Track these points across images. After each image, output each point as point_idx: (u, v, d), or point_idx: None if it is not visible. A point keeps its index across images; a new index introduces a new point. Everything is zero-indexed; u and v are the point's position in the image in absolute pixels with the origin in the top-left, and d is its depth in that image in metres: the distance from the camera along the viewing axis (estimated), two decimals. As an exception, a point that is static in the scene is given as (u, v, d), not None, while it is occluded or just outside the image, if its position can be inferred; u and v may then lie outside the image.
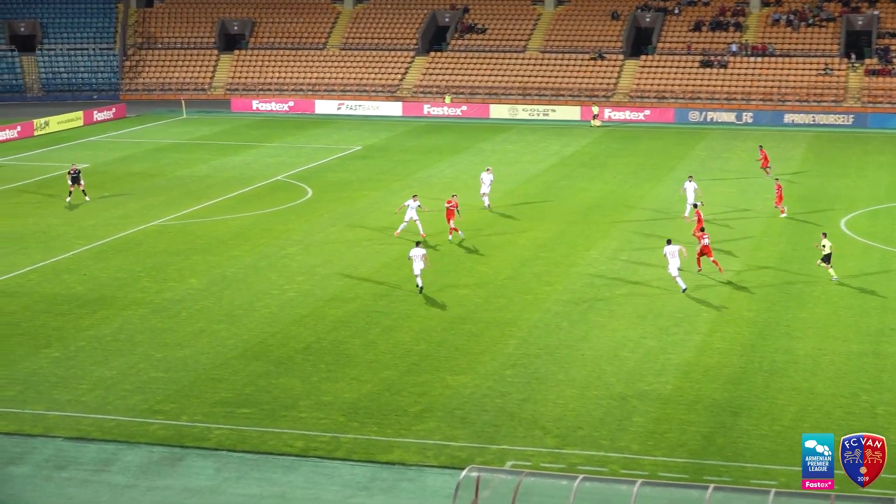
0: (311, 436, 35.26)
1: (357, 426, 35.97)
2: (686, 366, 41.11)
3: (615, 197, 69.84)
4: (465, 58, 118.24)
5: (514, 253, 56.58)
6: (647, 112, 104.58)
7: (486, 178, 66.79)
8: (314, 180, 74.37)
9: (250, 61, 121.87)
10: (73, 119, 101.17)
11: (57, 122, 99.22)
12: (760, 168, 75.81)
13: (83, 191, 68.88)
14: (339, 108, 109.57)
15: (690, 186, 63.88)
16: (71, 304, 48.37)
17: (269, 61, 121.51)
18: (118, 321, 46.11)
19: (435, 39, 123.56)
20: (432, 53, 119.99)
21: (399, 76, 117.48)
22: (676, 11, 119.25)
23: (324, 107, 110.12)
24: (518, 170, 78.65)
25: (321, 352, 42.65)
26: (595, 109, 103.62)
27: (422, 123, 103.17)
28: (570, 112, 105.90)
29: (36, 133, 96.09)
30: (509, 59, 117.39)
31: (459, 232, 58.98)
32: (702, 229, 54.45)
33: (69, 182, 67.99)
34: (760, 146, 78.63)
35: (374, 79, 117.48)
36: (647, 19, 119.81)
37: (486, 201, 66.31)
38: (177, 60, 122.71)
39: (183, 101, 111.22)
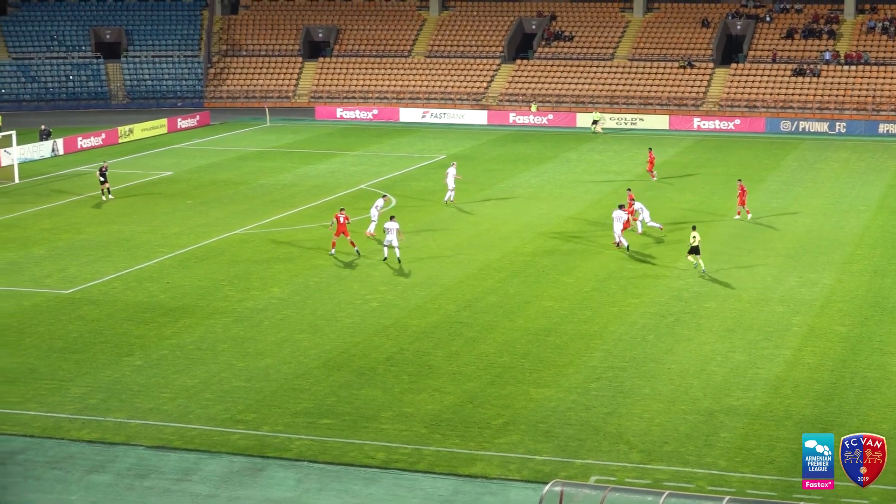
0: (392, 447, 35.35)
1: (439, 438, 36.00)
2: (775, 381, 40.73)
3: (704, 207, 69.39)
4: (552, 66, 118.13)
5: (600, 264, 56.40)
6: (737, 121, 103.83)
7: (451, 172, 70.47)
8: (398, 189, 74.60)
9: (335, 69, 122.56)
10: (157, 126, 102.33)
11: (141, 130, 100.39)
12: (646, 171, 78.26)
13: (108, 188, 71.41)
14: (423, 117, 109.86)
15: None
16: (154, 312, 48.88)
17: (353, 69, 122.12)
18: (200, 330, 46.52)
19: (521, 47, 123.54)
20: (518, 61, 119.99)
21: (485, 84, 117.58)
22: (768, 19, 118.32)
23: (408, 115, 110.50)
24: (604, 179, 78.36)
25: (403, 363, 42.75)
26: (596, 115, 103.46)
27: (507, 132, 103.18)
28: (659, 121, 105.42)
29: (120, 140, 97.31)
30: (596, 67, 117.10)
31: (355, 247, 57.99)
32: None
33: (100, 180, 70.98)
34: (650, 148, 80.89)
35: (459, 87, 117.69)
36: (738, 27, 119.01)
37: (451, 196, 70.15)
38: (261, 68, 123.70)
39: (267, 109, 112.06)
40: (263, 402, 38.83)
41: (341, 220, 57.31)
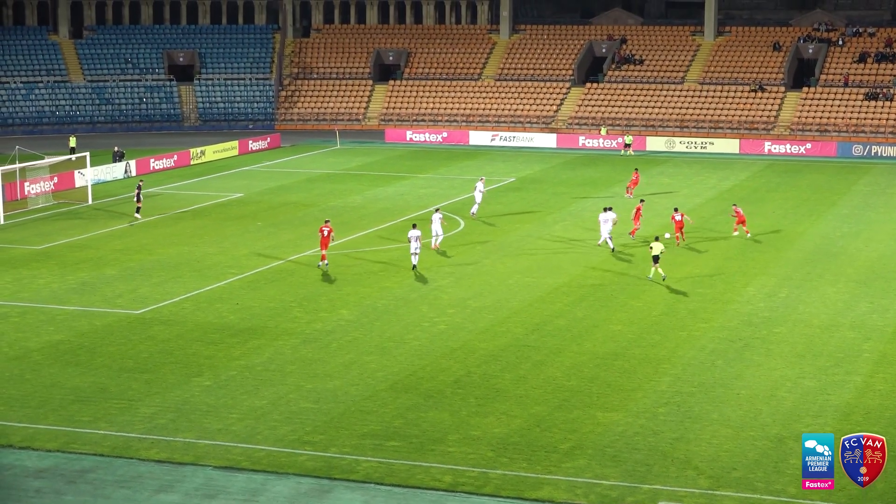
0: (459, 470, 35.29)
1: (506, 462, 35.91)
2: (846, 407, 40.29)
3: (774, 232, 68.88)
4: (622, 89, 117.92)
5: (669, 288, 56.08)
6: (809, 146, 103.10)
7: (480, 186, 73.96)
8: (467, 212, 74.65)
9: (405, 92, 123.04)
10: (228, 148, 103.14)
11: (213, 152, 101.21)
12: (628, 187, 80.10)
13: (138, 207, 73.49)
14: (492, 140, 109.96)
15: None
16: (223, 333, 49.17)
17: (423, 92, 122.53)
18: (269, 351, 46.73)
19: (591, 70, 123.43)
20: (588, 84, 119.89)
21: (554, 107, 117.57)
22: (840, 43, 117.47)
23: (478, 138, 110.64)
24: (674, 203, 77.99)
25: (471, 385, 42.70)
26: (629, 139, 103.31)
27: (577, 155, 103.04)
28: (729, 145, 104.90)
29: (192, 162, 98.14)
30: (667, 90, 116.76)
31: (324, 261, 59.78)
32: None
33: (138, 198, 73.37)
34: (636, 168, 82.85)
35: (529, 110, 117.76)
36: (810, 50, 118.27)
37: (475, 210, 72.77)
38: (332, 90, 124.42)
39: (337, 132, 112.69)
40: (331, 424, 38.91)
41: (325, 232, 59.41)
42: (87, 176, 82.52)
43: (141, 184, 75.80)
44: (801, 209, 76.10)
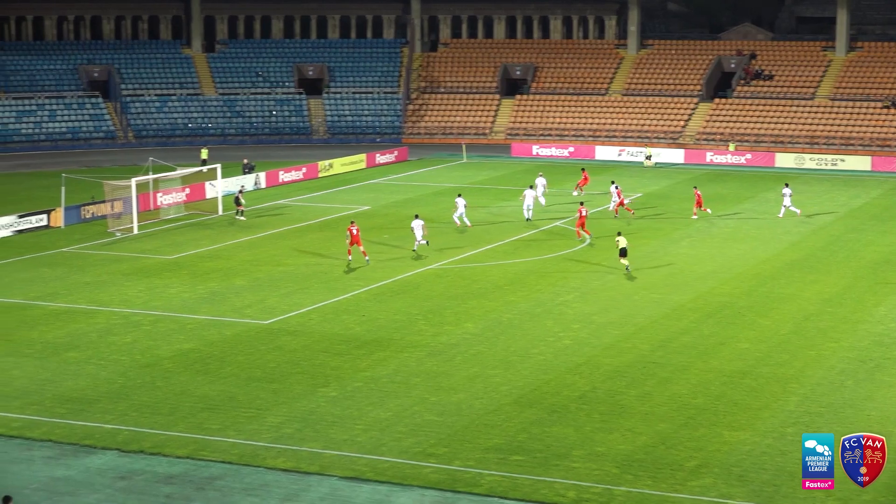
0: (583, 486, 35.14)
1: (630, 479, 35.68)
2: (980, 431, 39.41)
3: (907, 251, 67.71)
4: (751, 105, 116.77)
5: (798, 307, 55.37)
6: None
7: (540, 182, 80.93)
8: (592, 227, 74.34)
9: (531, 106, 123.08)
10: (356, 161, 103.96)
11: (340, 164, 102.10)
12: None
13: (241, 210, 77.07)
14: (619, 155, 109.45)
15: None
16: (349, 344, 49.52)
17: (550, 106, 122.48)
18: (394, 363, 46.96)
19: (720, 85, 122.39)
20: (717, 100, 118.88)
21: (682, 123, 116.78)
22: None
23: (604, 153, 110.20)
24: (802, 220, 76.99)
25: (595, 401, 42.52)
26: (649, 151, 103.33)
27: (704, 171, 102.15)
28: (861, 162, 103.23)
29: (320, 175, 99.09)
30: (797, 106, 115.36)
31: (366, 257, 64.22)
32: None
33: (237, 202, 77.18)
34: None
35: (656, 125, 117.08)
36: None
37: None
38: (459, 105, 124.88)
39: (464, 146, 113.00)
40: (455, 437, 38.98)
41: (354, 231, 63.30)
42: (218, 188, 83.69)
43: (242, 187, 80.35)
44: (935, 228, 74.70)
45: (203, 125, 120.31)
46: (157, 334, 51.07)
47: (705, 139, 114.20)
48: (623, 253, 61.51)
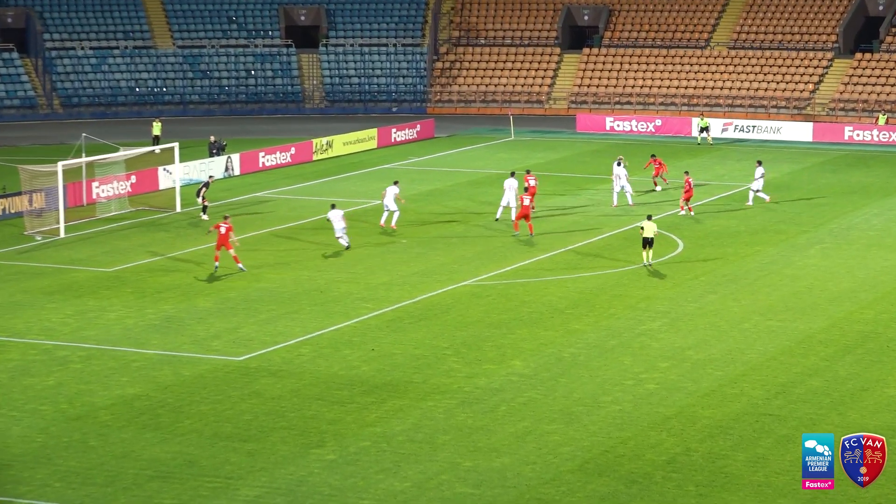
0: (672, 585, 35.17)
1: (738, 575, 35.73)
2: None
3: None
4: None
5: (969, 339, 55.31)
6: None
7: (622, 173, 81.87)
8: (686, 229, 74.35)
9: (604, 64, 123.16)
10: (363, 139, 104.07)
11: (342, 144, 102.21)
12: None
13: (206, 206, 78.12)
14: (724, 130, 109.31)
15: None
16: (353, 389, 49.56)
17: (629, 65, 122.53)
18: (415, 415, 46.97)
19: (863, 35, 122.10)
20: (859, 55, 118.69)
21: (811, 87, 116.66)
22: None
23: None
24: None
25: (690, 468, 42.47)
26: (704, 122, 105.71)
27: (842, 152, 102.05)
28: None
29: (315, 157, 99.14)
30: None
31: (239, 264, 65.28)
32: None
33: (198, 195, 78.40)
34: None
35: (774, 90, 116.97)
36: None
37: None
38: (505, 62, 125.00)
39: (511, 118, 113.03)
40: (497, 517, 39.05)
41: (223, 230, 63.02)
42: (176, 175, 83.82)
43: (210, 179, 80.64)
44: None
45: (155, 90, 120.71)
46: (90, 375, 51.20)
47: (843, 109, 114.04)
48: (648, 243, 63.65)
